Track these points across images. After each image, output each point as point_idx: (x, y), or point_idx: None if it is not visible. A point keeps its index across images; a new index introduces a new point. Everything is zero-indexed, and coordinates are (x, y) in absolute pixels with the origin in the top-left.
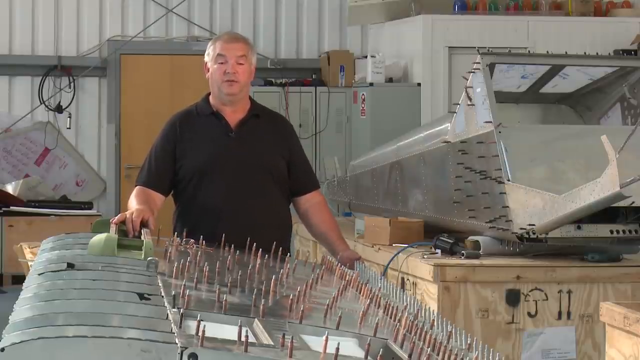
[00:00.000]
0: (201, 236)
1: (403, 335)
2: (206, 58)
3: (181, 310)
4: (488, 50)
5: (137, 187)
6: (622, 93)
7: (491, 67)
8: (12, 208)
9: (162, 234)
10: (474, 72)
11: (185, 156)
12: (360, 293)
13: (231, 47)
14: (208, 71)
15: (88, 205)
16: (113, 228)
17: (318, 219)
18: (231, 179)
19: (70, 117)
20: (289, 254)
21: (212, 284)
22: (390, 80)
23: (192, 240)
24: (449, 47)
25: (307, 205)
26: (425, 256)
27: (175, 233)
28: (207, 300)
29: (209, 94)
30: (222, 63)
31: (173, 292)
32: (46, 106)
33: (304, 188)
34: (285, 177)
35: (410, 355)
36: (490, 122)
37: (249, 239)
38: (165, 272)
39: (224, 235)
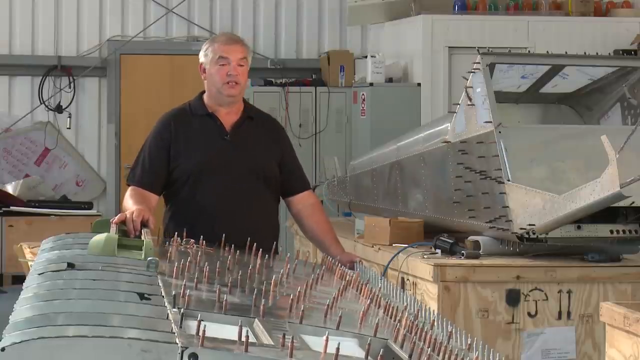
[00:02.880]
0: (201, 236)
1: (403, 335)
2: (202, 59)
3: (181, 310)
4: (488, 50)
5: (131, 187)
6: (622, 93)
7: (491, 67)
8: (12, 208)
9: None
10: (474, 72)
11: (180, 157)
12: (360, 293)
13: (233, 49)
14: (204, 72)
15: (88, 205)
16: (113, 228)
17: (311, 221)
18: (225, 182)
19: (70, 117)
20: (288, 254)
21: (212, 284)
22: (390, 80)
23: (192, 240)
24: (449, 47)
25: (300, 206)
26: (425, 256)
27: (165, 234)
28: (208, 300)
29: (203, 92)
30: (223, 65)
31: (173, 292)
32: (46, 106)
33: (294, 189)
34: (277, 180)
35: (410, 356)
36: (490, 122)
37: (235, 239)
38: (166, 272)
39: (223, 235)
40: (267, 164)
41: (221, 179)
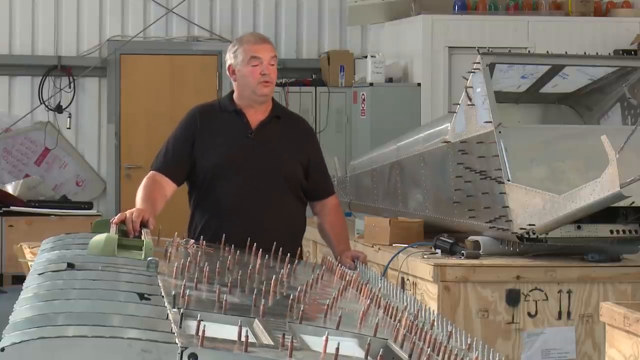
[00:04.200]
0: (203, 234)
1: (403, 335)
2: (232, 61)
3: (181, 310)
4: (488, 50)
5: (151, 172)
6: (622, 93)
7: (491, 67)
8: (12, 208)
9: (163, 234)
10: (474, 72)
11: (203, 151)
12: (360, 293)
13: (264, 48)
14: (233, 74)
15: (88, 205)
16: (113, 228)
17: (327, 222)
18: (245, 180)
19: (70, 117)
20: (288, 254)
21: (212, 284)
22: (390, 80)
23: (192, 241)
24: (449, 47)
25: (320, 208)
26: (425, 256)
27: (192, 226)
28: (207, 300)
29: (232, 92)
30: (256, 65)
31: (173, 292)
32: (46, 106)
33: (318, 195)
34: (301, 182)
35: (410, 355)
36: (490, 122)
37: (252, 240)
38: (165, 272)
39: (227, 233)
40: (289, 165)
41: (240, 177)
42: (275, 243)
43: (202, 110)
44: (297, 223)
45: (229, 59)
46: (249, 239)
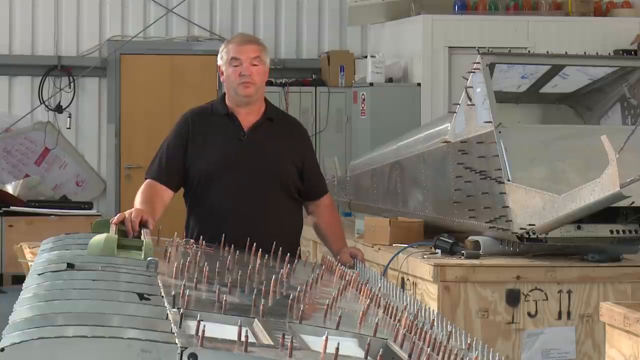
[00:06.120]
0: (201, 237)
1: (403, 335)
2: (220, 61)
3: (181, 310)
4: (488, 50)
5: (147, 181)
6: (622, 93)
7: (491, 67)
8: (12, 208)
9: (163, 233)
10: (474, 72)
11: (195, 156)
12: (360, 293)
13: (245, 48)
14: (222, 74)
15: (88, 205)
16: (113, 228)
17: (322, 221)
18: (239, 183)
19: (70, 117)
20: (288, 254)
21: (212, 284)
22: (390, 80)
23: (192, 240)
24: (449, 47)
25: (314, 207)
26: (425, 256)
27: (188, 230)
28: (207, 300)
29: (225, 94)
30: (236, 66)
31: (173, 292)
32: (46, 106)
33: (313, 196)
34: (295, 184)
35: (410, 355)
36: (490, 122)
37: (254, 243)
38: (165, 272)
39: (223, 235)
40: (283, 167)
41: (235, 180)
42: (270, 244)
43: (194, 115)
44: (294, 224)
45: (218, 59)
46: (247, 240)
